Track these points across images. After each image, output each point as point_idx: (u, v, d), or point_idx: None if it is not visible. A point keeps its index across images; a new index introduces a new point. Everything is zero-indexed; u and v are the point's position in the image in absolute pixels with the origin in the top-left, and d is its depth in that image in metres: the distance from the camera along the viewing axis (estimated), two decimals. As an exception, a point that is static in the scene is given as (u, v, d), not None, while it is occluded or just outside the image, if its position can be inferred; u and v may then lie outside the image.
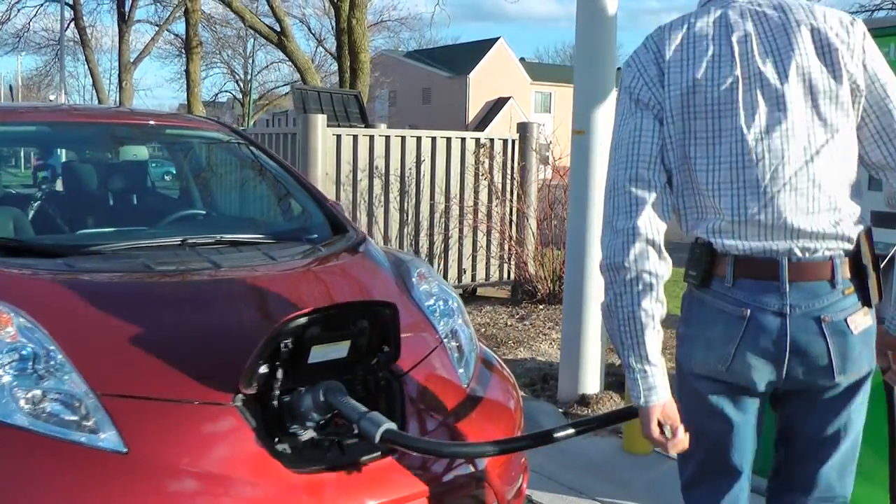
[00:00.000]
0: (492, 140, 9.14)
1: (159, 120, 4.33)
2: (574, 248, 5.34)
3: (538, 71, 60.39)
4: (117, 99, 31.66)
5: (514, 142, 9.23)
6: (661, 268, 2.10)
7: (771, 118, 2.03)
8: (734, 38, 2.06)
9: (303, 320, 2.32)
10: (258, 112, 47.73)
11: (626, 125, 2.12)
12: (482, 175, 8.97)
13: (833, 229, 2.05)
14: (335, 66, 37.75)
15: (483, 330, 7.23)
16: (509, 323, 7.58)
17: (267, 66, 45.91)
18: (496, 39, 59.06)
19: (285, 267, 3.18)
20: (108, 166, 4.34)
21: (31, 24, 32.46)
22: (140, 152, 4.46)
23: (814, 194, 2.04)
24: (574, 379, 5.37)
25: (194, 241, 3.31)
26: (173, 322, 2.64)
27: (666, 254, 2.12)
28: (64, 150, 4.60)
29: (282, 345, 2.32)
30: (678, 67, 2.07)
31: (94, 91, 32.71)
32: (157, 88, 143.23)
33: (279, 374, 2.36)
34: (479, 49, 59.04)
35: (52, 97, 39.22)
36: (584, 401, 5.26)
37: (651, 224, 2.09)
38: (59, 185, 4.36)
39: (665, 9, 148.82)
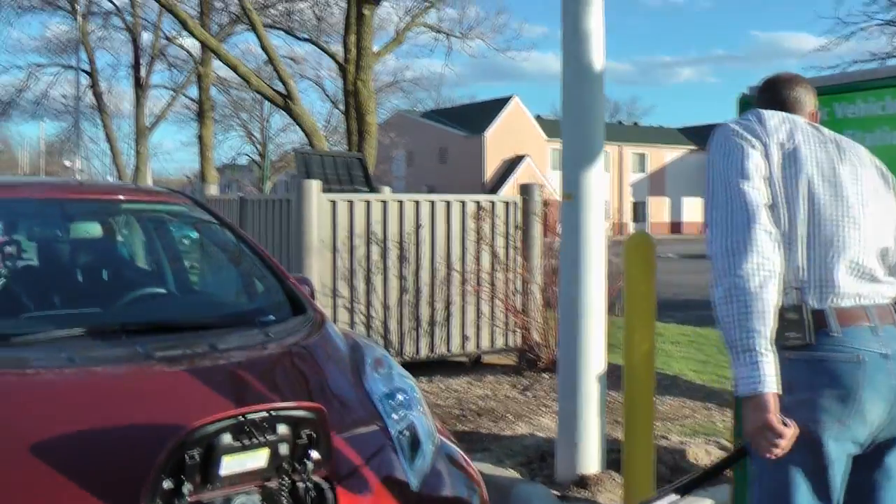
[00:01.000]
0: (493, 203, 8.90)
1: (117, 193, 4.08)
2: (568, 318, 5.04)
3: (554, 128, 60.51)
4: (134, 163, 31.79)
5: (515, 205, 8.99)
6: (778, 259, 2.23)
7: (854, 185, 2.39)
8: (824, 131, 2.47)
9: (211, 428, 2.04)
10: (276, 174, 47.97)
11: (735, 153, 2.34)
12: (483, 240, 8.72)
13: (892, 282, 2.39)
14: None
15: (482, 402, 6.90)
16: (510, 395, 7.24)
17: (284, 129, 46.17)
18: (510, 97, 59.37)
19: (220, 359, 2.90)
20: (60, 244, 4.11)
21: (49, 90, 32.61)
22: (93, 229, 4.22)
23: (878, 255, 2.37)
24: (572, 458, 5.03)
25: (135, 326, 3.06)
26: (76, 426, 2.36)
27: (781, 248, 2.26)
28: (11, 227, 4.36)
29: (187, 456, 2.04)
30: (784, 131, 2.39)
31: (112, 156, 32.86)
32: (175, 152, 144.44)
33: (186, 488, 2.08)
34: (493, 107, 59.36)
35: (67, 163, 39.39)
36: (582, 482, 4.91)
37: (768, 219, 2.26)
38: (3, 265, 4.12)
39: (678, 62, 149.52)
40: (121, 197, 4.16)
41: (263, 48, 16.24)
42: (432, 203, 8.58)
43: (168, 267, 4.08)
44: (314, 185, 7.99)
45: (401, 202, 8.44)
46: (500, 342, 8.98)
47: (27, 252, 3.96)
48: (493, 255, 8.79)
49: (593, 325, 4.94)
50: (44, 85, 31.61)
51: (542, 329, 8.51)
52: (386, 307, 8.30)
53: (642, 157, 66.36)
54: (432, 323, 8.58)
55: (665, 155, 66.25)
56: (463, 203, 8.74)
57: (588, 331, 4.93)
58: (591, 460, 5.00)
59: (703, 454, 5.41)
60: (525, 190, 9.19)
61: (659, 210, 65.89)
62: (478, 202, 8.85)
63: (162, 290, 3.85)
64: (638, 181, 65.83)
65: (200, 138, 27.89)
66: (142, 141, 30.72)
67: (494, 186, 53.96)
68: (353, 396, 2.80)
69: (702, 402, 6.99)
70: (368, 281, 8.22)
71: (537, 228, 9.10)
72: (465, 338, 8.76)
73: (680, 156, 66.84)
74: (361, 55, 15.54)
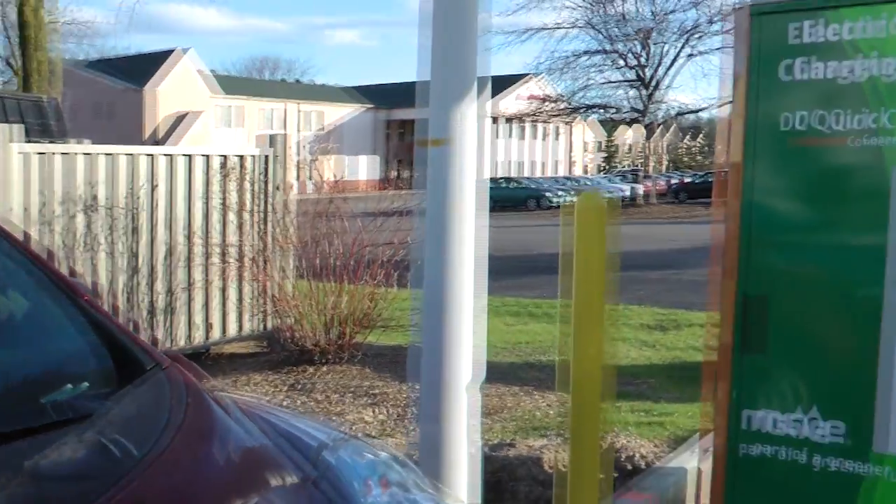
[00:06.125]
0: (240, 157, 7.26)
1: None
2: (434, 289, 3.70)
3: (222, 83, 57.39)
4: None
5: (268, 158, 7.42)
6: None
7: None
8: None
9: None
10: None
11: None
12: (231, 203, 7.09)
13: None
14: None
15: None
16: (289, 399, 5.74)
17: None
18: (174, 49, 55.39)
19: None
20: None
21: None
22: None
23: None
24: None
25: None
26: None
27: None
28: None
29: None
30: None
31: None
32: None
33: None
34: (160, 60, 55.08)
35: None
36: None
37: None
38: None
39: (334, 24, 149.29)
40: None
41: None
42: (170, 158, 6.80)
43: None
44: (6, 131, 5.93)
45: (112, 156, 6.50)
46: (248, 327, 7.45)
47: None
48: (242, 221, 7.21)
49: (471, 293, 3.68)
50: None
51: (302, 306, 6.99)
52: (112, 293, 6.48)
53: (320, 114, 64.27)
54: (169, 310, 6.85)
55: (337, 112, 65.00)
56: (207, 157, 7.04)
57: (463, 302, 3.66)
58: (465, 490, 3.74)
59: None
60: (274, 141, 7.64)
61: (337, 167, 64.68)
62: (224, 156, 7.17)
63: None
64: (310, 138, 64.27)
65: None
66: None
67: (161, 143, 50.21)
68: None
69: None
70: (92, 260, 6.35)
71: (291, 187, 7.67)
72: (192, 326, 7.01)
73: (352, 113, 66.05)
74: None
